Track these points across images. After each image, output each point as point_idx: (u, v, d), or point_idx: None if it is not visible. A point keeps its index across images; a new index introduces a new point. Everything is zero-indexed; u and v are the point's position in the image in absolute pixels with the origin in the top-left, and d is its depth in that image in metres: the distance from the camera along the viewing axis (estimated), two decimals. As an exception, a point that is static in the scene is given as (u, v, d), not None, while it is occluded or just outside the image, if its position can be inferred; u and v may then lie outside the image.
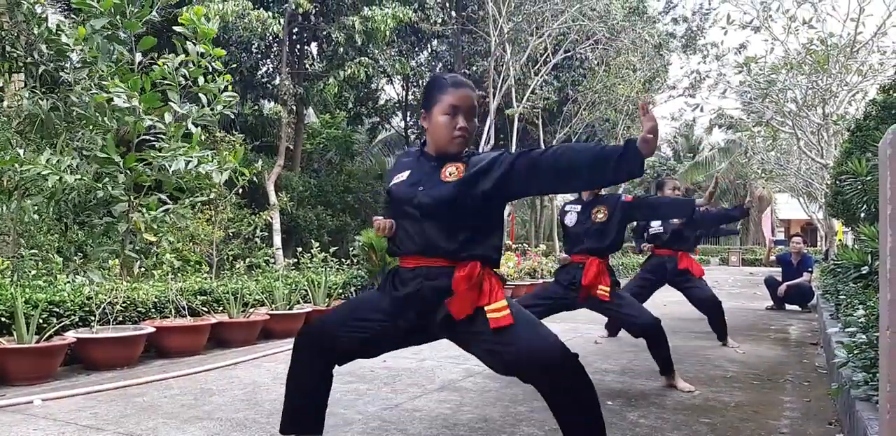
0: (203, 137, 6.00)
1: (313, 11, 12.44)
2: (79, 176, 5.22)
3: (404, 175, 2.27)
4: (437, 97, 2.19)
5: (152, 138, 5.80)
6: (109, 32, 5.60)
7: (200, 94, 5.90)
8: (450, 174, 2.19)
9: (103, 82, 5.49)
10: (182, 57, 5.70)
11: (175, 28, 5.83)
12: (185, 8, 6.14)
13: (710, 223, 5.95)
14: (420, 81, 17.11)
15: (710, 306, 5.56)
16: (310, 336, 2.34)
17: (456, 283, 2.12)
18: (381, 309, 2.27)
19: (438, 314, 2.16)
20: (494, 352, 2.12)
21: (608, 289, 3.90)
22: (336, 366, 2.36)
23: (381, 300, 2.29)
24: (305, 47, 14.59)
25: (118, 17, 5.55)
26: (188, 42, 5.75)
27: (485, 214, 2.23)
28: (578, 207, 4.18)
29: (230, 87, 6.08)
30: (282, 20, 11.68)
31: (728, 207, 6.47)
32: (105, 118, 5.52)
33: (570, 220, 4.16)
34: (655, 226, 5.77)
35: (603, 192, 4.24)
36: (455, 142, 2.20)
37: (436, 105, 2.19)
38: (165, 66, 5.64)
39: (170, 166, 5.45)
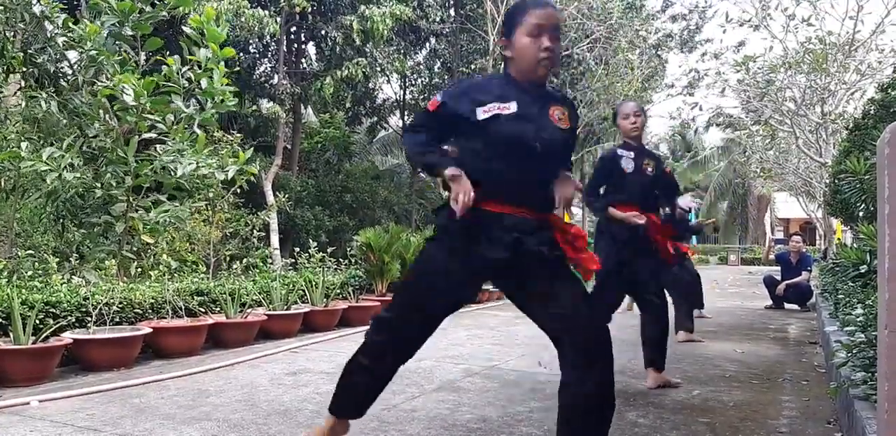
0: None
1: (311, 10, 12.41)
2: (78, 174, 5.20)
3: (511, 107, 2.04)
4: (518, 20, 2.06)
5: (152, 137, 5.78)
6: (116, 30, 5.57)
7: (200, 97, 5.87)
8: (559, 119, 2.09)
9: (106, 80, 5.46)
10: (188, 59, 5.66)
11: (184, 29, 5.78)
12: (181, 8, 6.09)
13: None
14: (418, 80, 17.09)
15: None
16: (395, 352, 2.27)
17: (558, 236, 2.08)
18: (455, 280, 2.12)
19: (532, 255, 2.03)
20: (556, 294, 2.04)
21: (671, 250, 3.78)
22: None
23: (458, 268, 2.09)
24: (303, 47, 14.57)
25: (129, 16, 5.51)
26: (195, 45, 5.70)
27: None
28: (632, 154, 3.74)
29: (228, 85, 6.05)
30: (279, 19, 11.66)
31: (692, 223, 6.66)
32: (108, 116, 5.50)
33: (628, 165, 3.70)
34: None
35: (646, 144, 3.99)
36: (542, 64, 2.05)
37: (517, 28, 2.06)
38: (172, 67, 5.59)
39: (175, 169, 5.42)
